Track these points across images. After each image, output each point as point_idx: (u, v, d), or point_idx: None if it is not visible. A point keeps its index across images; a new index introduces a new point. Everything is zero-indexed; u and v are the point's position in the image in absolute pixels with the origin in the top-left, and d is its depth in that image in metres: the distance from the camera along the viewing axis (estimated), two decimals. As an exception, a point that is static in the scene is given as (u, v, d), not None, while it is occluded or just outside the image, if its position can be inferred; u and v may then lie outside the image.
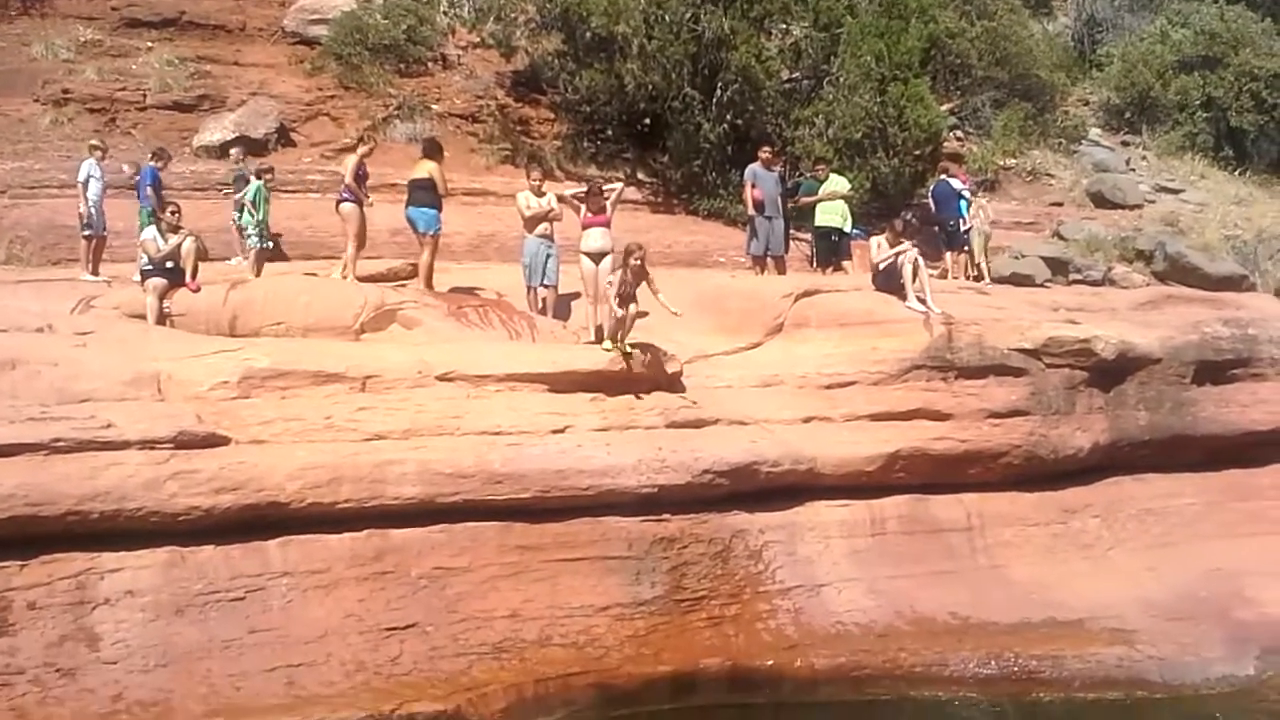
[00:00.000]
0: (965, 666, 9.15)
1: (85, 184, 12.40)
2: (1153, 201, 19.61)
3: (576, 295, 12.28)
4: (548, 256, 12.33)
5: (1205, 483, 12.07)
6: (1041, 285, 14.32)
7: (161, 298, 10.98)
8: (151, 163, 13.06)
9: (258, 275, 12.12)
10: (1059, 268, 14.80)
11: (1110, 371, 11.77)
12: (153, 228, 11.47)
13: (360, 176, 12.51)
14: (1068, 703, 8.79)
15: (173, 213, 11.55)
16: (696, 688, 9.02)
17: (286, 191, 14.22)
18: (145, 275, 11.14)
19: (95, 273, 12.19)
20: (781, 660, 9.32)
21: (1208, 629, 9.64)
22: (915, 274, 11.97)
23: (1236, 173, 21.96)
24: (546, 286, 12.36)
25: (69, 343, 9.41)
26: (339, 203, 12.47)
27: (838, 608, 10.00)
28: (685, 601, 9.68)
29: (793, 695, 8.92)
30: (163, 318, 10.92)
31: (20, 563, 7.80)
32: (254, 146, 15.26)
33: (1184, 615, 9.93)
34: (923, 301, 11.81)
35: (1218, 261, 15.40)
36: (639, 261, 10.38)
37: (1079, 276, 14.77)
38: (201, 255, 11.60)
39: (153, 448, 8.26)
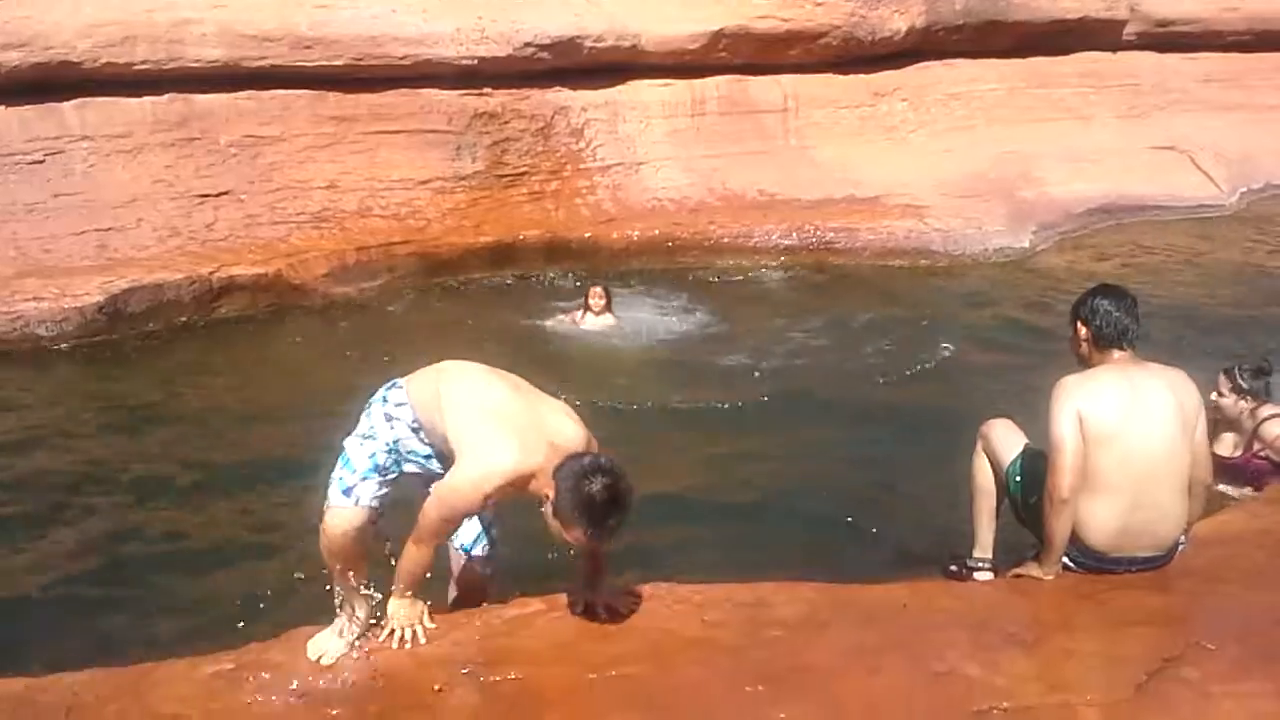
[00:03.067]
0: (769, 238, 9.68)
1: None
2: None
3: None
4: None
5: (1010, 69, 12.50)
6: None
7: None
8: None
9: None
10: None
11: (934, -46, 11.72)
12: None
13: None
14: (857, 269, 9.49)
15: None
16: (515, 258, 9.34)
17: None
18: None
19: None
20: (599, 233, 9.66)
21: (992, 205, 10.32)
22: None
23: None
24: None
25: None
26: None
27: (654, 185, 10.31)
28: (506, 177, 9.81)
29: (607, 264, 9.34)
30: None
31: None
32: None
33: (973, 193, 10.58)
34: None
35: None
36: None
37: None
38: None
39: (-82, -5, 7.57)
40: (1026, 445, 4.06)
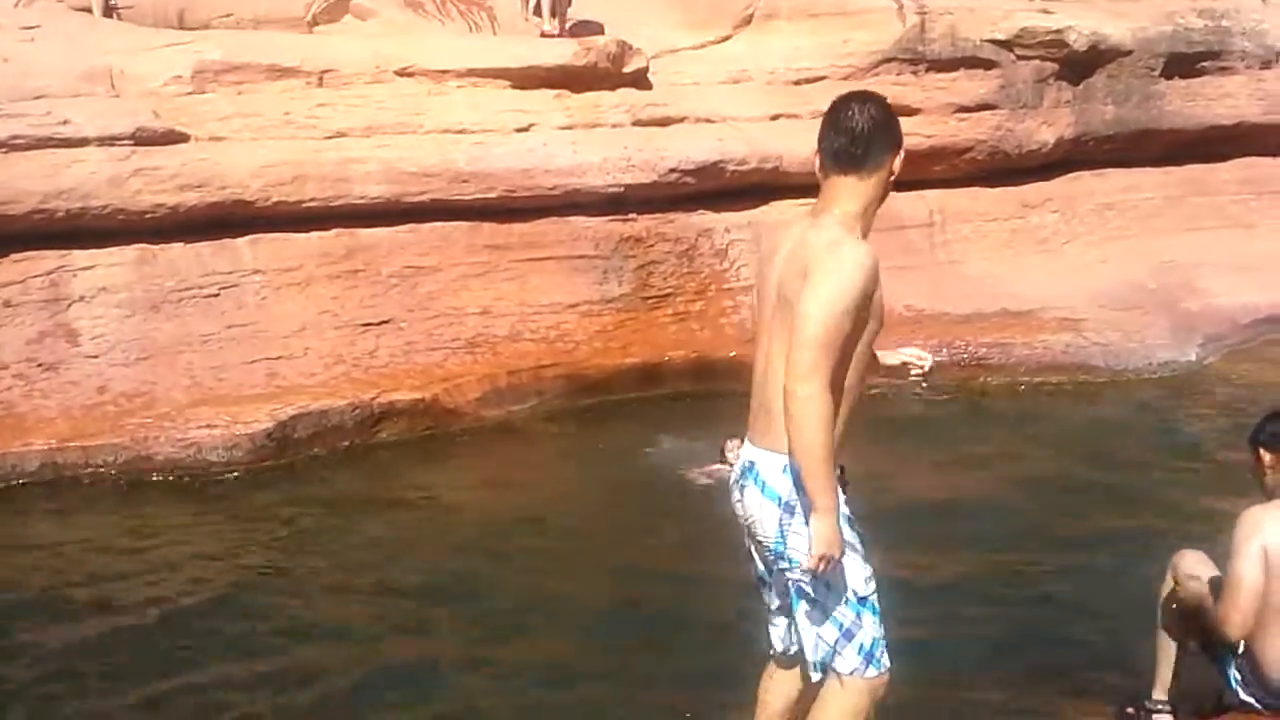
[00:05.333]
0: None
1: None
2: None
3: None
4: None
5: (1165, 177, 12.18)
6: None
7: (105, -12, 10.47)
8: None
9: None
10: (1038, -43, 14.26)
11: (1081, 64, 11.59)
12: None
13: None
14: (1013, 386, 9.23)
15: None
16: (662, 378, 9.39)
17: None
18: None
19: None
20: (744, 352, 9.56)
21: (1154, 318, 9.97)
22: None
23: None
24: None
25: (16, 38, 9.07)
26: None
27: (800, 302, 10.28)
28: (652, 298, 9.93)
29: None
30: (109, 10, 10.47)
31: (-9, 262, 7.90)
32: None
33: (1132, 305, 10.24)
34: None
35: (1200, -50, 14.86)
36: None
37: (1058, -34, 14.26)
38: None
39: (112, 144, 8.19)
40: (1214, 579, 3.85)
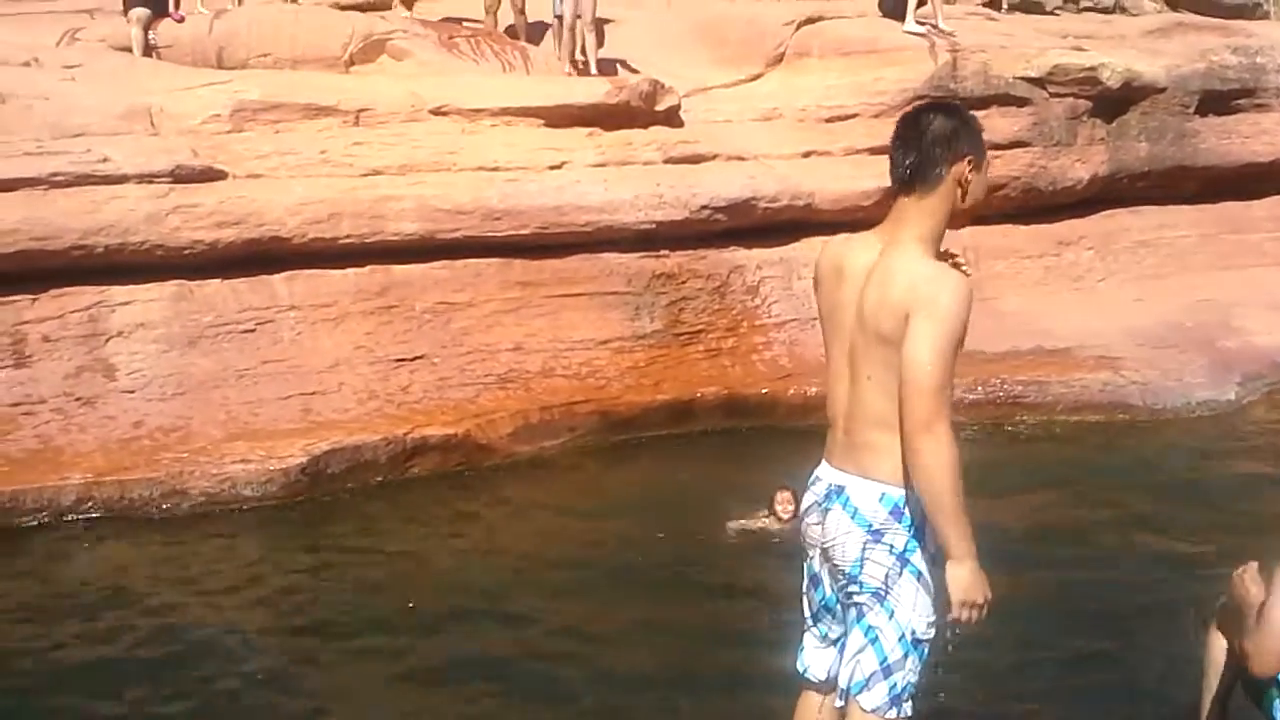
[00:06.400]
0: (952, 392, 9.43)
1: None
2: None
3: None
4: None
5: (1200, 215, 12.11)
6: (1052, 12, 13.91)
7: (146, 28, 10.66)
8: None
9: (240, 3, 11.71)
10: (1070, -6, 14.33)
11: (1114, 101, 11.58)
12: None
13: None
14: (1050, 425, 9.14)
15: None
16: (694, 414, 9.36)
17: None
18: (128, 5, 10.76)
19: None
20: (776, 389, 9.61)
21: (1192, 356, 9.87)
22: (928, -3, 11.62)
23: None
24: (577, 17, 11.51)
25: (58, 76, 9.24)
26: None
27: (832, 339, 10.24)
28: (684, 335, 9.91)
29: (785, 420, 9.25)
30: (149, 49, 10.64)
31: (31, 297, 7.97)
32: None
33: (1170, 343, 10.15)
34: (932, 25, 11.50)
35: (1231, -13, 14.90)
36: None
37: (1090, 3, 14.35)
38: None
39: (151, 181, 8.27)
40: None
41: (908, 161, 2.95)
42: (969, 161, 2.96)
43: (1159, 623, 5.03)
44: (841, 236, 3.27)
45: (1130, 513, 7.05)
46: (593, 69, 11.16)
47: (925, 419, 2.78)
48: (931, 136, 2.93)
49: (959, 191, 2.97)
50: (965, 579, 2.82)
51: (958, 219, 3.05)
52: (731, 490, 7.53)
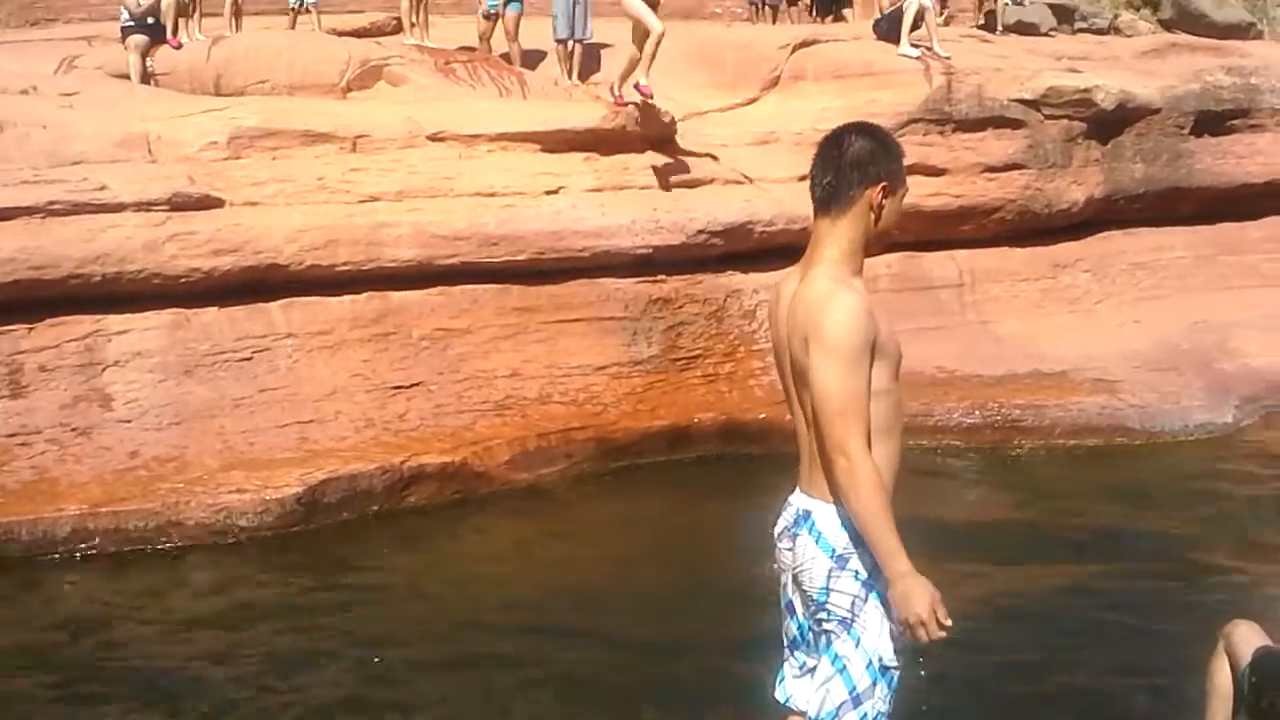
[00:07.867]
0: (950, 416, 9.44)
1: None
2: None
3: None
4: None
5: (1196, 236, 12.12)
6: (1046, 34, 13.95)
7: (144, 55, 10.69)
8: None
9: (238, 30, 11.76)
10: (1065, 15, 14.40)
11: (1109, 122, 11.61)
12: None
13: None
14: (1048, 449, 9.12)
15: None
16: (691, 440, 9.34)
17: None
18: (126, 32, 10.80)
19: None
20: (773, 414, 9.58)
21: (1189, 379, 9.86)
22: (921, 20, 11.65)
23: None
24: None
25: (55, 104, 9.24)
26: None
27: (829, 363, 10.23)
28: (681, 360, 9.90)
29: (782, 445, 9.21)
30: (146, 76, 10.67)
31: (28, 326, 7.95)
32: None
33: (1167, 366, 10.14)
34: (927, 48, 11.54)
35: (1225, 8, 14.99)
36: None
37: (1084, 25, 14.38)
38: (182, 10, 11.20)
39: (148, 209, 8.27)
40: (1260, 647, 3.76)
41: (824, 181, 2.96)
42: (883, 187, 2.95)
43: (1161, 647, 5.00)
44: (785, 274, 3.24)
45: (1129, 535, 7.03)
46: (616, 90, 10.95)
47: (837, 441, 2.80)
48: (849, 158, 2.93)
49: (871, 216, 2.96)
50: (898, 597, 2.78)
51: (872, 246, 3.03)
52: (729, 516, 7.51)
